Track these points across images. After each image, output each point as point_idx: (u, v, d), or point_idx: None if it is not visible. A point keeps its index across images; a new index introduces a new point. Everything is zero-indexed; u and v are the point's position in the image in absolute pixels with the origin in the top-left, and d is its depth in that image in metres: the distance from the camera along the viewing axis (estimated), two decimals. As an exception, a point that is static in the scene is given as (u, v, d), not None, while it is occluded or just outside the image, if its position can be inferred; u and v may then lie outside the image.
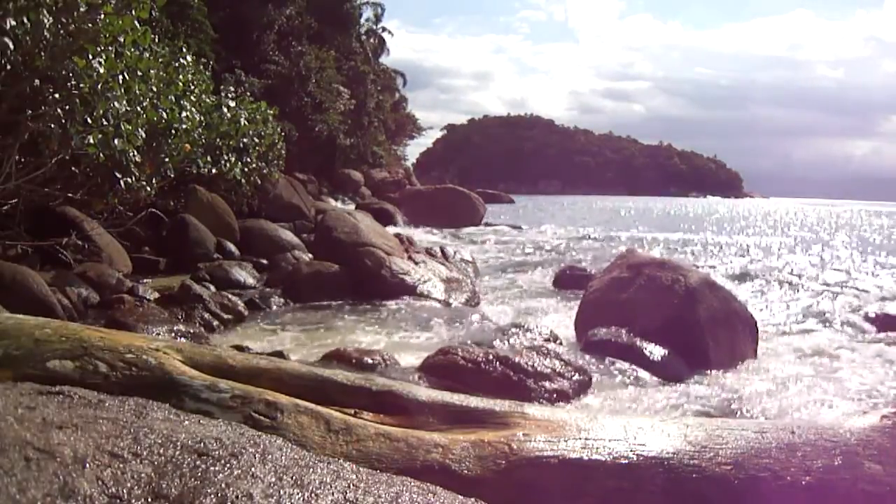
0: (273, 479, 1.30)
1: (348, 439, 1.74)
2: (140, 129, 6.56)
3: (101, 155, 6.06)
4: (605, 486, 1.73)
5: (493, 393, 4.41)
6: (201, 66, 10.87)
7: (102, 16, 5.66)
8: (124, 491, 1.16)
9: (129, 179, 6.80)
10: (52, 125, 5.54)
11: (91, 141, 5.80)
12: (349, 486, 1.38)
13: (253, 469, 1.32)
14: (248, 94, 15.05)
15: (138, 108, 6.68)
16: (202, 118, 9.52)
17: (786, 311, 8.32)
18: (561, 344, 5.88)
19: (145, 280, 8.05)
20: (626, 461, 1.77)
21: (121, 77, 6.24)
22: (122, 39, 6.13)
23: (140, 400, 1.63)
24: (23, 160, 5.86)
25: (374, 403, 1.95)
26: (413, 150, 72.52)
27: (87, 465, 1.19)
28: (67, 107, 5.62)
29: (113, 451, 1.26)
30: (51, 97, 5.51)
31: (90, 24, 5.58)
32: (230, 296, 7.20)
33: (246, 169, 12.11)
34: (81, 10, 5.45)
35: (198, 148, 9.38)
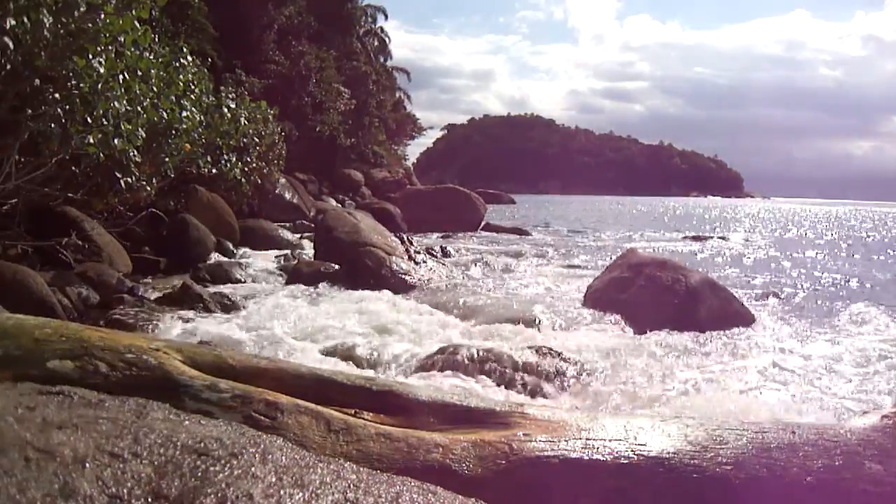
0: (273, 479, 1.30)
1: (348, 439, 1.74)
2: (140, 129, 6.56)
3: (101, 155, 6.06)
4: (605, 486, 1.73)
5: (494, 392, 4.42)
6: (201, 66, 10.88)
7: (102, 16, 5.66)
8: (124, 491, 1.15)
9: (129, 179, 6.80)
10: (52, 125, 5.54)
11: (91, 141, 5.80)
12: (349, 486, 1.38)
13: (253, 469, 1.32)
14: (248, 93, 15.07)
15: (138, 108, 6.68)
16: (202, 118, 9.52)
17: (785, 310, 8.32)
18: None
19: (145, 280, 8.05)
20: (627, 461, 1.77)
21: (121, 77, 6.24)
22: (122, 39, 6.13)
23: (140, 400, 1.63)
24: (23, 160, 5.86)
25: (375, 403, 1.94)
26: (413, 150, 72.55)
27: (87, 465, 1.19)
28: (67, 107, 5.61)
29: (113, 451, 1.26)
30: (51, 97, 5.51)
31: (90, 24, 5.58)
32: (230, 296, 7.20)
33: (246, 169, 12.12)
34: (81, 9, 5.45)
35: (198, 148, 9.38)
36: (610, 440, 1.83)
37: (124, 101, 6.25)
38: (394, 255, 8.95)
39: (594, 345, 5.87)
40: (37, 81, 5.39)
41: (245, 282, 8.72)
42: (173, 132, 7.93)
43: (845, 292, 10.30)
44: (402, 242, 9.93)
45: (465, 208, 21.11)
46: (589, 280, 8.45)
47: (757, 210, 61.41)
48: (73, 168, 6.39)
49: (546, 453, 1.78)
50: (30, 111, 5.49)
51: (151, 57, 7.45)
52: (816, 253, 17.52)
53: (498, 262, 12.37)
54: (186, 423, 1.52)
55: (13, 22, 4.95)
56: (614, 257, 9.19)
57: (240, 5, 22.86)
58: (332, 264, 8.73)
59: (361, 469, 1.50)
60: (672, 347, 5.85)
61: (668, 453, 1.79)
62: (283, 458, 1.41)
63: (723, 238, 22.34)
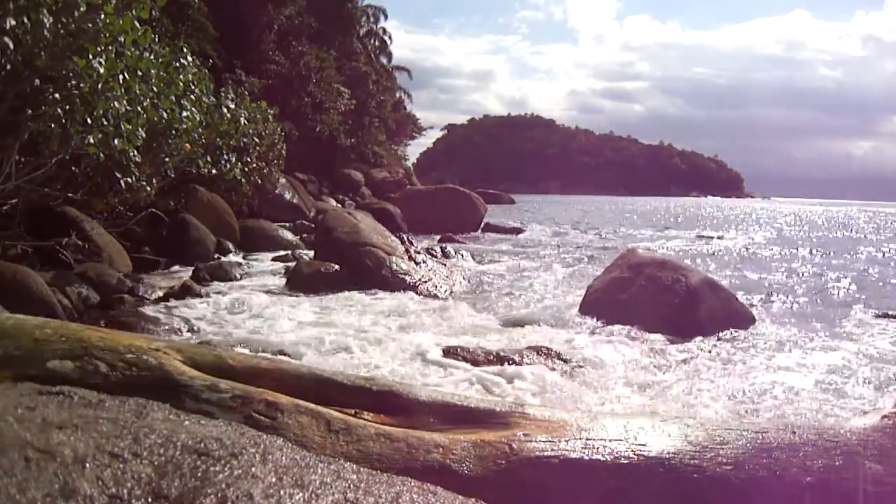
0: (273, 480, 1.30)
1: (349, 439, 1.74)
2: (140, 129, 6.56)
3: (101, 155, 6.06)
4: (605, 486, 1.73)
5: (494, 392, 4.42)
6: (201, 66, 10.88)
7: (102, 16, 5.66)
8: (124, 491, 1.15)
9: (129, 179, 6.80)
10: (52, 125, 5.54)
11: (91, 141, 5.80)
12: (350, 487, 1.38)
13: (253, 469, 1.32)
14: (248, 94, 15.06)
15: (138, 108, 6.68)
16: (202, 118, 9.53)
17: (785, 310, 8.32)
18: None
19: (146, 280, 8.05)
20: (627, 461, 1.77)
21: (121, 77, 6.24)
22: (122, 39, 6.13)
23: (140, 400, 1.63)
24: (23, 160, 5.86)
25: (375, 403, 1.94)
26: (413, 150, 72.46)
27: (87, 466, 1.19)
28: (67, 107, 5.61)
29: (113, 451, 1.26)
30: (51, 97, 5.51)
31: (90, 24, 5.58)
32: (230, 295, 7.21)
33: (246, 169, 12.12)
34: (81, 9, 5.45)
35: (198, 148, 9.38)
36: (610, 440, 1.83)
37: (124, 101, 6.25)
38: (394, 256, 8.94)
39: (594, 345, 5.87)
40: (37, 81, 5.39)
41: (245, 281, 8.72)
42: (173, 132, 7.93)
43: (845, 292, 10.29)
44: (402, 243, 9.92)
45: (465, 208, 21.09)
46: (589, 280, 8.45)
47: (757, 210, 61.42)
48: (73, 168, 6.39)
49: (546, 453, 1.78)
50: (30, 111, 5.49)
51: (151, 57, 7.45)
52: (816, 253, 17.51)
53: (498, 262, 12.37)
54: (186, 423, 1.52)
55: (13, 22, 4.95)
56: (615, 257, 9.19)
57: (240, 5, 22.86)
58: (332, 264, 8.72)
59: (361, 469, 1.50)
60: (672, 347, 5.85)
61: (669, 453, 1.79)
62: (284, 458, 1.41)
63: (722, 238, 22.35)
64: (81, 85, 5.65)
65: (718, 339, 6.19)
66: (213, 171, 10.71)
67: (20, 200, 6.50)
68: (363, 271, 8.52)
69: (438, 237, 16.62)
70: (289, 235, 13.20)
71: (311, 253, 10.72)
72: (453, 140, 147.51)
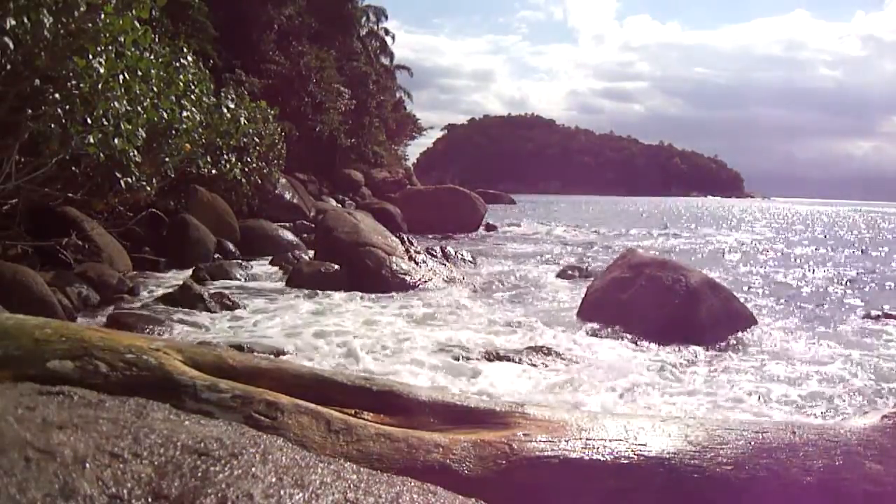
0: (273, 480, 1.30)
1: (349, 439, 1.74)
2: (140, 129, 6.56)
3: (101, 155, 6.06)
4: (605, 486, 1.73)
5: (494, 392, 4.41)
6: (201, 66, 10.87)
7: (102, 16, 5.66)
8: (124, 491, 1.15)
9: (129, 179, 6.80)
10: (52, 125, 5.54)
11: (91, 141, 5.80)
12: (350, 487, 1.38)
13: (253, 469, 1.32)
14: (248, 94, 15.07)
15: (138, 108, 6.68)
16: (202, 118, 9.52)
17: (785, 310, 8.32)
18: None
19: (146, 280, 8.05)
20: (627, 461, 1.77)
21: (121, 77, 6.24)
22: (122, 39, 6.14)
23: (140, 400, 1.63)
24: (23, 160, 5.86)
25: (375, 403, 1.94)
26: (413, 150, 72.55)
27: (88, 466, 1.19)
28: (67, 107, 5.62)
29: (113, 451, 1.26)
30: (51, 97, 5.51)
31: (90, 24, 5.58)
32: (230, 295, 7.20)
33: (246, 169, 12.12)
34: (81, 9, 5.45)
35: (198, 148, 9.38)
36: (610, 440, 1.83)
37: (124, 101, 6.25)
38: (394, 255, 8.94)
39: (594, 345, 5.87)
40: (37, 81, 5.39)
41: (245, 281, 8.72)
42: (173, 132, 7.93)
43: (846, 292, 10.29)
44: (402, 243, 9.92)
45: (465, 208, 21.07)
46: (590, 280, 8.45)
47: (757, 210, 61.43)
48: (73, 168, 6.39)
49: (546, 453, 1.78)
50: (30, 111, 5.49)
51: (151, 57, 7.45)
52: (816, 253, 17.51)
53: (498, 262, 12.37)
54: (187, 423, 1.52)
55: (13, 22, 4.95)
56: (615, 257, 9.19)
57: (240, 5, 22.88)
58: (333, 264, 8.73)
59: (361, 469, 1.50)
60: (672, 348, 5.85)
61: (669, 453, 1.79)
62: (284, 458, 1.41)
63: (723, 237, 22.36)
64: (81, 85, 5.66)
65: (718, 339, 6.19)
66: (213, 171, 10.71)
67: (20, 200, 6.51)
68: (363, 271, 8.52)
69: (439, 237, 16.63)
70: (289, 235, 13.18)
71: (312, 253, 10.72)
72: (453, 140, 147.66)
